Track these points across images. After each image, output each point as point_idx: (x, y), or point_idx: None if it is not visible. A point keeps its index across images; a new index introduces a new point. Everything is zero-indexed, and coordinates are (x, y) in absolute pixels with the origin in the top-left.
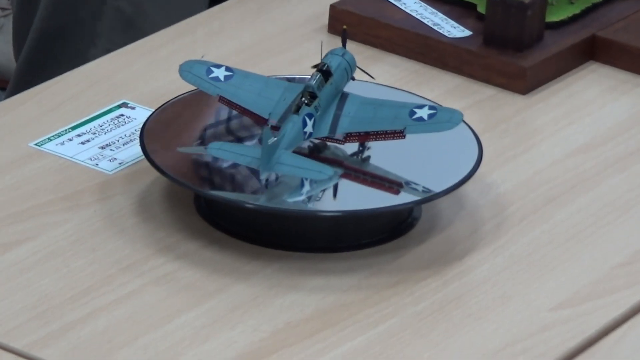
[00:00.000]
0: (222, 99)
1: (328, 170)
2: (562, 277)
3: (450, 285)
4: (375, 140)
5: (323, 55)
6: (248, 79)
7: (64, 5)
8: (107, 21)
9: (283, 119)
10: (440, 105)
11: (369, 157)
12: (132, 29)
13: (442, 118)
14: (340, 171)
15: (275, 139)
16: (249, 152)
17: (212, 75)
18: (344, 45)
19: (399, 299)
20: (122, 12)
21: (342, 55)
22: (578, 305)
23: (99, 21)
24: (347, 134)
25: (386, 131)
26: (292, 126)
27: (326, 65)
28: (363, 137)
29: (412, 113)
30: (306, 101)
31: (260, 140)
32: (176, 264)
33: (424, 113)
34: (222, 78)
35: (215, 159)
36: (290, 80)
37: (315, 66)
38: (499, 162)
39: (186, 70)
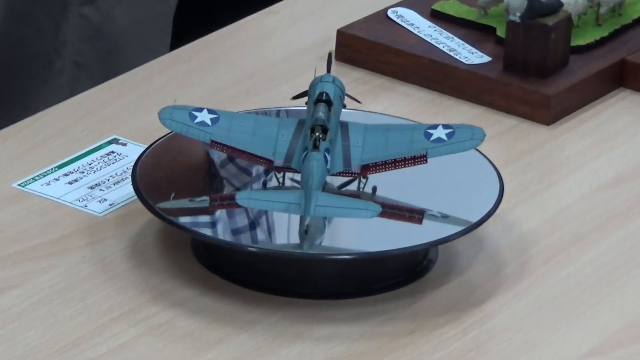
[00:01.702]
0: (215, 144)
1: (374, 206)
2: (591, 322)
3: (470, 332)
4: (395, 168)
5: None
6: (236, 119)
7: (22, 13)
8: (71, 29)
9: (290, 157)
10: (455, 124)
11: (375, 187)
12: (101, 38)
13: (463, 136)
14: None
15: (311, 181)
16: (282, 198)
17: (197, 120)
18: (328, 70)
19: (415, 348)
20: (88, 19)
21: (333, 82)
22: (609, 353)
23: (62, 30)
24: (363, 165)
25: (405, 158)
26: (317, 164)
27: (325, 94)
28: (381, 167)
29: (428, 135)
30: (321, 136)
31: (264, 184)
32: (172, 313)
33: (441, 133)
34: (208, 122)
35: (213, 202)
36: (269, 113)
37: (295, 97)
38: (521, 198)
39: (167, 118)
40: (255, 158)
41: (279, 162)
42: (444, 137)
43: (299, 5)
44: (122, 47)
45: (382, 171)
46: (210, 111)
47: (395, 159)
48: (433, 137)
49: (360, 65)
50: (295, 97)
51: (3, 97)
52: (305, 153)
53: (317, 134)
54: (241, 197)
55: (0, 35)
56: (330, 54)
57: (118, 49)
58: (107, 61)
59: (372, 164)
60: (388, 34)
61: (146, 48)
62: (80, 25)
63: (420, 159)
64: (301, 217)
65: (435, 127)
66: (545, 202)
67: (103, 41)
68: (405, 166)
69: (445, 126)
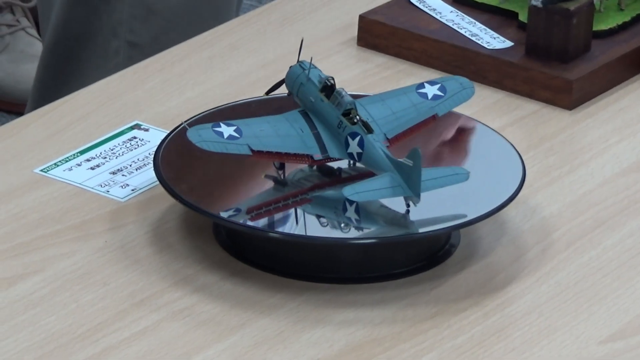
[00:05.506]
0: (256, 154)
1: (461, 170)
2: (613, 307)
3: (492, 317)
4: (412, 134)
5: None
6: (252, 125)
7: None
8: (126, 8)
9: (323, 149)
10: (437, 79)
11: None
12: (152, 16)
13: (455, 88)
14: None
15: (402, 161)
16: (380, 185)
17: (227, 135)
18: (299, 57)
19: (436, 332)
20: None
21: (315, 67)
22: (631, 337)
23: (117, 10)
24: (389, 138)
25: (419, 122)
26: (382, 145)
27: (329, 80)
28: (402, 136)
29: (423, 95)
30: (362, 119)
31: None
32: (194, 298)
33: (433, 90)
34: (236, 134)
35: (240, 182)
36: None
37: (269, 91)
38: (543, 183)
39: (199, 140)
40: (297, 157)
41: (317, 155)
42: (439, 93)
43: None
44: (175, 25)
45: (404, 139)
46: (226, 124)
47: (411, 126)
48: (430, 96)
49: (382, 50)
50: (269, 91)
51: (62, 79)
52: (357, 138)
53: (358, 117)
54: (349, 193)
55: (58, 23)
56: (302, 40)
57: (171, 26)
58: (159, 39)
59: (395, 135)
60: (410, 19)
61: (200, 24)
62: (133, 3)
63: (432, 119)
64: (404, 198)
65: (422, 86)
66: (566, 186)
67: (155, 19)
68: (419, 130)
69: (431, 82)
